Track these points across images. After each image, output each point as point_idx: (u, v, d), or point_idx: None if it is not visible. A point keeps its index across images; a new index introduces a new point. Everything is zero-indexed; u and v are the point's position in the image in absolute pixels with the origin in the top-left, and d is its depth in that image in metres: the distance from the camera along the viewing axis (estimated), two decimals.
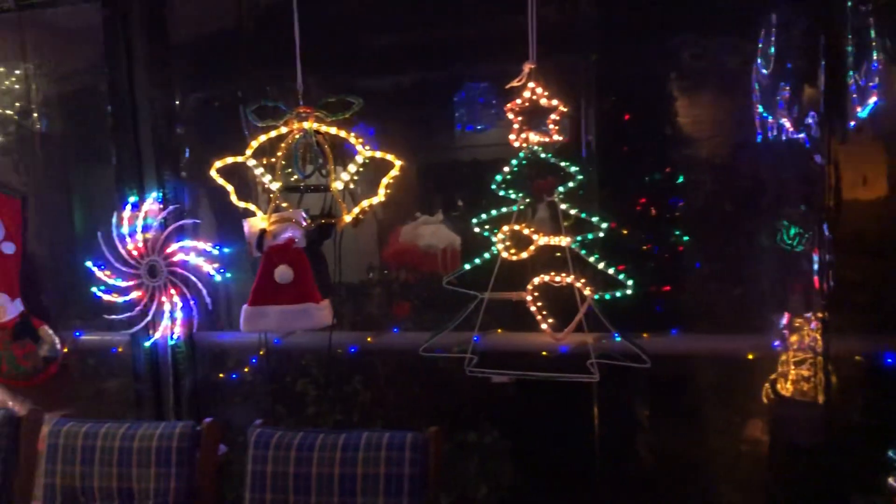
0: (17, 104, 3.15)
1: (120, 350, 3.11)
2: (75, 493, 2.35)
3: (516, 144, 2.46)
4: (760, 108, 2.54)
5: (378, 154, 2.67)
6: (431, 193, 2.91)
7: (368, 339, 2.82)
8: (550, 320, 2.51)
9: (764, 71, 2.43)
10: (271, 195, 2.77)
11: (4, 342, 3.13)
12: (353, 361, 2.88)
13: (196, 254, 2.91)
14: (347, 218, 2.72)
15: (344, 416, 2.97)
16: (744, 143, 2.61)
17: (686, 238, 2.67)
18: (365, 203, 2.71)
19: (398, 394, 2.98)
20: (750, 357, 2.54)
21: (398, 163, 2.66)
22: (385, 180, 2.67)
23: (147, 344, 3.01)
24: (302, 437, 2.18)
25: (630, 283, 2.39)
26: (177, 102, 2.97)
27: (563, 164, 2.44)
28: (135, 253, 2.95)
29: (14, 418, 2.55)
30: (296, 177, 2.78)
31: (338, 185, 2.71)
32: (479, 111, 2.86)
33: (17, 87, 3.14)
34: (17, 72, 3.13)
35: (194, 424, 2.32)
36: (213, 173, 2.81)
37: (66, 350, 3.16)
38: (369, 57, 2.85)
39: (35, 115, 3.13)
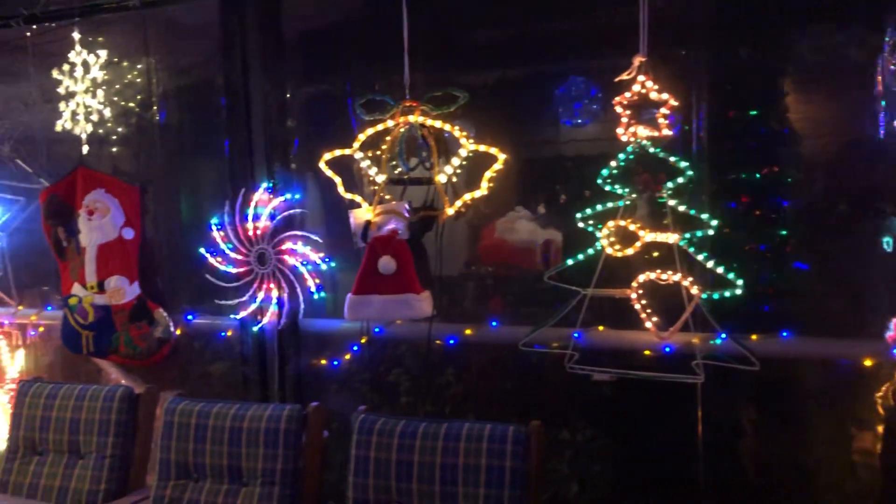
0: (139, 97, 3.31)
1: (228, 334, 3.23)
2: (188, 468, 2.46)
3: (624, 139, 2.43)
4: (883, 104, 2.42)
5: (482, 147, 2.69)
6: (530, 188, 2.90)
7: (467, 332, 2.83)
8: (655, 319, 2.47)
9: (893, 67, 2.31)
10: (376, 187, 2.83)
11: (123, 323, 3.30)
12: (450, 353, 2.90)
13: (303, 243, 3.00)
14: (450, 211, 2.75)
15: (437, 408, 3.00)
16: (861, 140, 2.49)
17: (797, 238, 2.57)
18: (467, 196, 2.73)
19: (491, 387, 2.98)
20: (867, 363, 2.42)
21: (502, 156, 2.67)
22: (488, 173, 2.69)
23: (255, 329, 3.12)
24: (404, 424, 2.22)
25: (740, 282, 2.33)
26: (288, 96, 3.06)
27: (672, 159, 2.39)
28: (245, 241, 3.06)
29: (132, 395, 2.69)
30: (400, 169, 2.83)
31: (441, 178, 2.74)
32: (581, 105, 2.83)
33: (138, 80, 3.30)
34: (139, 66, 3.29)
35: (301, 408, 2.39)
36: (321, 165, 2.89)
37: (178, 332, 3.31)
38: (474, 51, 2.87)
39: (154, 107, 3.29)
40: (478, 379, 3.00)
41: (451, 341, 2.86)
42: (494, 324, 2.82)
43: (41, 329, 3.68)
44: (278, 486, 2.33)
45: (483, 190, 2.70)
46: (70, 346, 3.42)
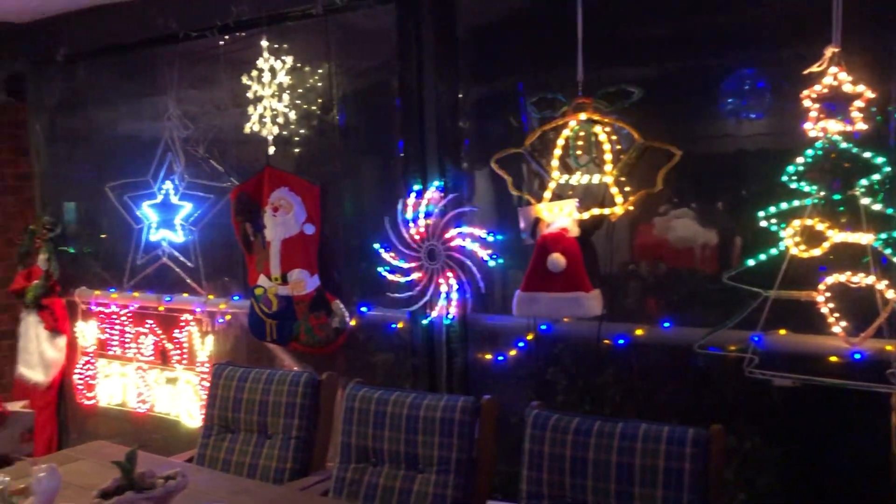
0: (319, 100, 3.50)
1: (399, 326, 3.36)
2: (367, 452, 2.58)
3: (812, 133, 2.32)
4: None
5: (656, 143, 2.65)
6: (694, 185, 2.81)
7: (638, 332, 2.80)
8: (843, 323, 2.34)
9: None
10: (547, 185, 2.85)
11: (303, 313, 3.51)
12: (618, 353, 2.87)
13: (472, 240, 3.07)
14: (620, 209, 2.73)
15: (597, 407, 2.97)
16: None
17: None
18: (640, 193, 2.70)
19: (655, 389, 2.93)
20: None
21: (678, 152, 2.62)
22: (663, 170, 2.64)
23: (424, 322, 3.23)
24: (579, 421, 2.23)
25: None
26: (460, 96, 3.14)
27: (866, 154, 2.26)
28: (416, 237, 3.18)
29: (315, 381, 2.86)
30: (570, 167, 2.83)
31: (612, 176, 2.72)
32: (756, 98, 2.72)
33: (319, 84, 3.49)
34: (320, 71, 3.48)
35: (475, 400, 2.45)
36: (492, 164, 2.95)
37: (353, 323, 3.48)
38: (646, 45, 2.82)
39: (334, 109, 3.47)
40: (641, 380, 2.95)
41: (621, 341, 2.84)
42: (667, 325, 2.77)
43: (228, 317, 3.97)
44: (453, 474, 2.41)
45: (658, 186, 2.66)
46: (256, 333, 3.68)
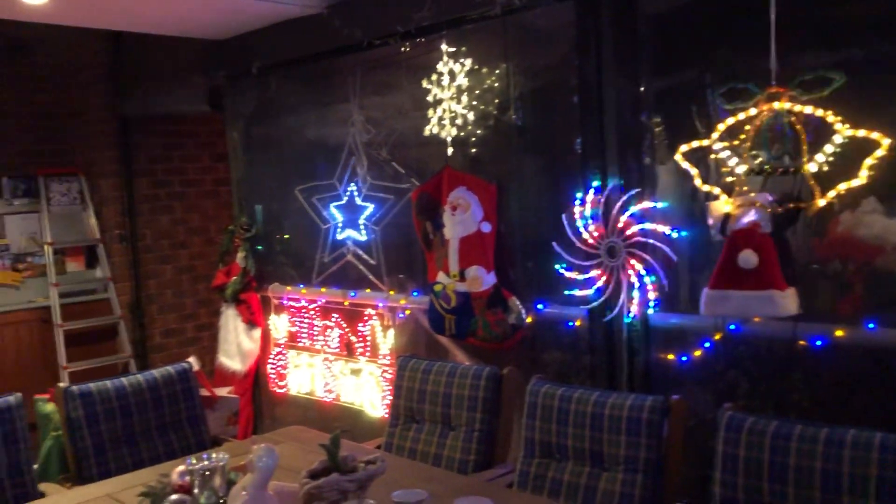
0: (497, 100, 3.56)
1: (577, 323, 3.35)
2: (551, 448, 2.60)
3: None
4: None
5: (861, 133, 2.48)
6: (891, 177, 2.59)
7: (838, 333, 2.63)
8: None
9: None
10: (736, 178, 2.75)
11: (481, 309, 3.58)
12: (816, 356, 2.71)
13: (655, 236, 3.01)
14: (820, 202, 2.58)
15: (782, 411, 2.82)
16: None
17: None
18: (842, 186, 2.54)
19: (855, 397, 2.73)
20: None
21: (885, 141, 2.44)
22: (868, 161, 2.47)
23: (604, 320, 3.20)
24: (777, 425, 2.13)
25: None
26: (641, 89, 3.08)
27: None
28: (595, 234, 3.16)
29: (497, 375, 2.91)
30: (761, 159, 2.71)
31: (810, 168, 2.58)
32: None
33: (496, 85, 3.55)
34: (498, 71, 3.53)
35: (663, 399, 2.41)
36: (677, 157, 2.88)
37: (529, 320, 3.51)
38: (846, 26, 2.64)
39: (511, 109, 3.51)
40: (835, 386, 2.77)
41: (818, 342, 2.68)
42: (872, 326, 2.58)
43: (408, 312, 4.12)
44: (640, 474, 2.37)
45: (862, 179, 2.49)
46: (435, 328, 3.80)
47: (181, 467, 2.24)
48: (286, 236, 4.89)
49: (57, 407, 3.02)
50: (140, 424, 3.09)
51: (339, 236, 4.42)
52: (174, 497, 2.11)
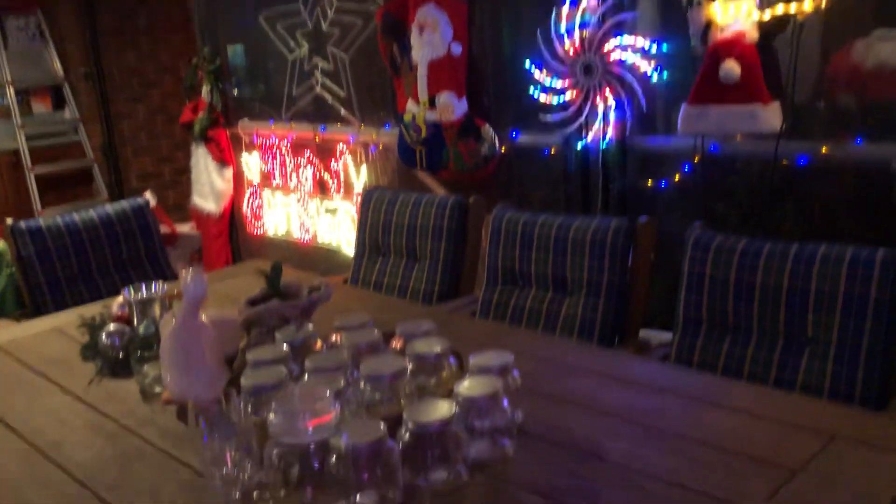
0: None
1: (552, 151, 3.17)
2: (514, 275, 2.50)
3: None
4: None
5: None
6: None
7: (823, 150, 2.46)
8: None
9: None
10: None
11: (452, 139, 3.39)
12: (800, 175, 2.55)
13: (633, 51, 2.77)
14: (809, 5, 2.33)
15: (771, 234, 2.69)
16: None
17: None
18: None
19: (844, 217, 2.59)
20: None
21: None
22: None
23: (579, 145, 3.02)
24: (746, 243, 2.00)
25: None
26: None
27: None
28: (571, 52, 2.92)
29: (462, 204, 2.77)
30: None
31: None
32: None
33: None
34: None
35: (630, 222, 2.27)
36: None
37: (503, 149, 3.33)
38: None
39: None
40: (822, 207, 2.62)
41: (802, 161, 2.51)
42: (859, 141, 2.40)
43: (380, 147, 3.94)
44: (603, 298, 2.28)
45: None
46: (406, 161, 3.62)
47: (120, 298, 2.15)
48: (256, 68, 4.63)
49: (6, 244, 2.91)
50: (97, 261, 2.99)
51: (307, 67, 4.16)
52: (112, 327, 2.03)
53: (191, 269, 1.79)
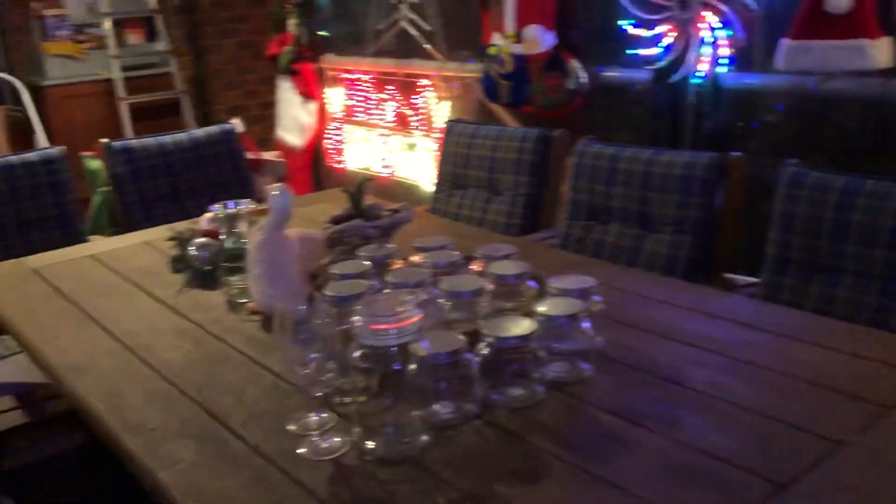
0: None
1: (641, 88, 3.07)
2: (597, 209, 2.45)
3: None
4: None
5: None
6: None
7: None
8: None
9: None
10: None
11: (538, 74, 3.32)
12: None
13: None
14: None
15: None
16: None
17: None
18: None
19: None
20: None
21: None
22: None
23: (671, 81, 2.91)
24: (845, 181, 1.90)
25: None
26: None
27: None
28: None
29: (546, 137, 2.72)
30: None
31: None
32: None
33: None
34: None
35: (722, 157, 2.19)
36: None
37: (589, 85, 3.24)
38: None
39: None
40: None
41: None
42: None
43: (463, 82, 3.89)
44: (690, 235, 2.21)
45: None
46: (489, 95, 3.57)
47: (209, 214, 2.20)
48: (337, 2, 4.62)
49: (102, 163, 3.01)
50: (185, 182, 3.07)
51: (393, 0, 4.12)
52: (199, 240, 2.09)
53: (277, 184, 1.82)
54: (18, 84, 5.11)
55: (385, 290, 1.56)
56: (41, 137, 5.04)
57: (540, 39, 3.27)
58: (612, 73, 3.19)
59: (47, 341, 1.76)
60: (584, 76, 3.23)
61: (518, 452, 1.24)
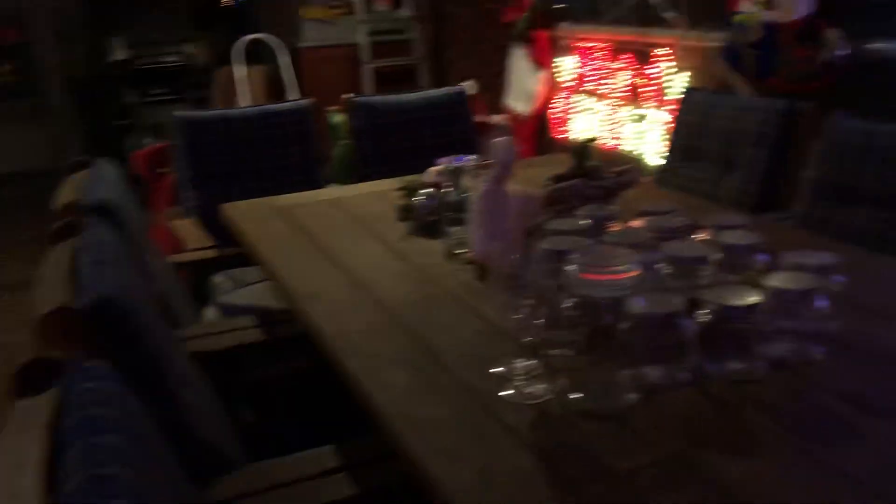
0: None
1: None
2: (844, 191, 2.24)
3: None
4: None
5: None
6: None
7: None
8: None
9: None
10: None
11: (787, 44, 3.07)
12: None
13: None
14: None
15: None
16: None
17: None
18: None
19: None
20: None
21: None
22: None
23: None
24: None
25: None
26: None
27: None
28: None
29: (792, 111, 2.52)
30: None
31: None
32: None
33: None
34: None
35: None
36: None
37: (850, 57, 2.95)
38: None
39: None
40: None
41: None
42: None
43: (704, 52, 3.69)
44: None
45: None
46: (732, 66, 3.36)
47: (436, 167, 2.29)
48: None
49: (345, 117, 3.22)
50: (417, 140, 3.20)
51: None
52: (425, 191, 2.18)
53: (501, 137, 1.85)
54: (278, 44, 5.58)
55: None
56: (293, 95, 5.48)
57: (796, 5, 3.02)
58: (877, 45, 2.87)
59: (287, 271, 1.93)
60: (843, 48, 2.94)
61: (733, 425, 1.17)
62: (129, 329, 1.22)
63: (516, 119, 5.00)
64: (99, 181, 1.96)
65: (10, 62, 6.72)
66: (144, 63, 6.44)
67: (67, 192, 1.93)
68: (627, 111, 4.25)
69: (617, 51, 4.26)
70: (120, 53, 6.45)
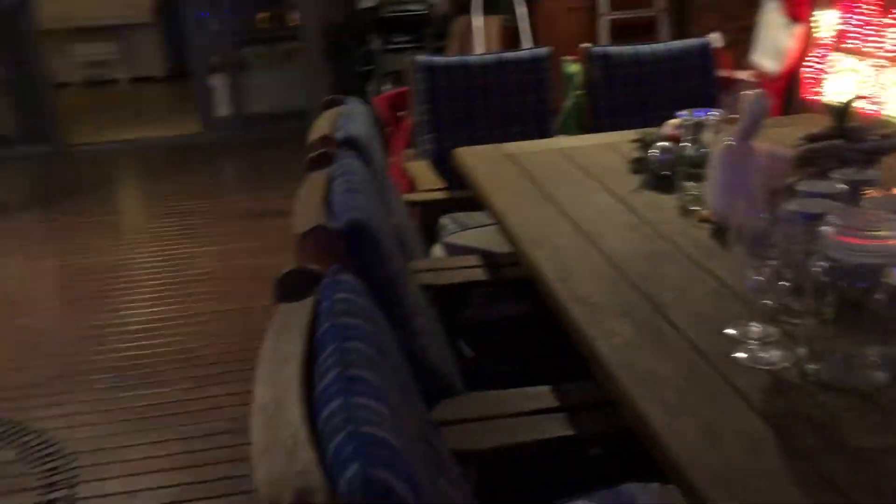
0: None
1: None
2: None
3: None
4: None
5: None
6: None
7: None
8: None
9: None
10: None
11: None
12: None
13: None
14: None
15: None
16: None
17: None
18: None
19: None
20: None
21: None
22: None
23: None
24: None
25: None
26: None
27: None
28: None
29: None
30: None
31: None
32: None
33: None
34: None
35: None
36: None
37: None
38: None
39: None
40: None
41: None
42: None
43: None
44: None
45: None
46: None
47: (674, 120, 2.20)
48: None
49: (580, 67, 3.18)
50: (654, 93, 3.10)
51: None
52: (661, 144, 2.11)
53: (754, 90, 1.74)
54: None
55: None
56: (528, 45, 5.49)
57: None
58: None
59: (513, 216, 1.96)
60: None
61: None
62: (375, 251, 1.31)
63: (764, 77, 4.66)
64: (351, 117, 2.11)
65: (268, 11, 7.36)
66: (390, 11, 6.72)
67: (322, 126, 2.09)
68: (894, 74, 3.81)
69: (889, 4, 3.81)
70: (368, 1, 6.78)
